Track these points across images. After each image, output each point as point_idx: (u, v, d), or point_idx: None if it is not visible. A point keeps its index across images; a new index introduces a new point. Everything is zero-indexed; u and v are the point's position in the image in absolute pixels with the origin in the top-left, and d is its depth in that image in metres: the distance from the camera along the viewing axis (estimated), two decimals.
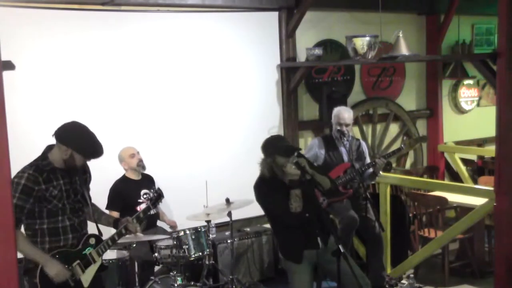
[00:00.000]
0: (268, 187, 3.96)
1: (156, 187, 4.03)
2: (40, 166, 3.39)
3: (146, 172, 5.29)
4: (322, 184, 4.05)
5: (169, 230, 5.26)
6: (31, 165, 3.40)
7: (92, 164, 5.10)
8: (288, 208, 3.85)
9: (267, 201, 3.99)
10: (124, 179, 5.16)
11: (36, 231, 3.39)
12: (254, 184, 4.07)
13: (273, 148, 3.98)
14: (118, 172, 5.17)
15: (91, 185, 3.79)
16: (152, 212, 4.94)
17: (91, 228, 3.69)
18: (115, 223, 3.74)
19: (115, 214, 4.94)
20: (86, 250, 3.52)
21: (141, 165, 5.14)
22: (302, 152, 4.42)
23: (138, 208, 5.04)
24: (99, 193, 4.82)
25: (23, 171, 3.36)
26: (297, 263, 3.96)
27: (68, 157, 3.40)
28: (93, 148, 3.46)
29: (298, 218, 3.86)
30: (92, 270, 3.53)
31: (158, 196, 3.88)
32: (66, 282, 3.40)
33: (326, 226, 3.92)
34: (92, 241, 3.55)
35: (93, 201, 3.83)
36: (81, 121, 3.55)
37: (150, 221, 5.18)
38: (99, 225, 3.71)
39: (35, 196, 3.33)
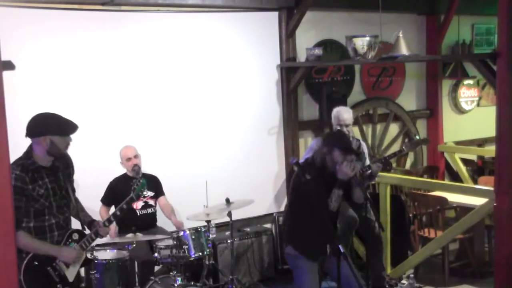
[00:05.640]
0: (315, 175, 3.73)
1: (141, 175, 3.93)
2: (26, 165, 3.42)
3: (150, 172, 5.27)
4: (356, 197, 3.95)
5: (169, 230, 5.24)
6: (17, 165, 3.41)
7: (96, 164, 5.13)
8: (327, 203, 3.74)
9: (309, 188, 3.59)
10: (123, 177, 5.15)
11: (23, 229, 3.40)
12: (301, 164, 3.83)
13: (336, 141, 3.89)
14: (121, 170, 5.18)
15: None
16: (139, 205, 5.07)
17: (75, 223, 3.73)
18: (89, 224, 3.76)
19: (105, 209, 5.02)
20: (70, 245, 3.56)
21: (135, 170, 5.09)
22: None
23: (135, 206, 5.05)
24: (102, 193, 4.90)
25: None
26: (313, 261, 3.95)
27: (50, 145, 3.42)
28: (66, 124, 3.47)
29: (331, 218, 3.70)
30: (76, 264, 3.58)
31: (142, 184, 3.78)
32: (51, 277, 3.45)
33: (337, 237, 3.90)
34: (75, 236, 3.60)
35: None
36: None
37: (149, 221, 5.18)
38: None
39: (25, 195, 3.37)
